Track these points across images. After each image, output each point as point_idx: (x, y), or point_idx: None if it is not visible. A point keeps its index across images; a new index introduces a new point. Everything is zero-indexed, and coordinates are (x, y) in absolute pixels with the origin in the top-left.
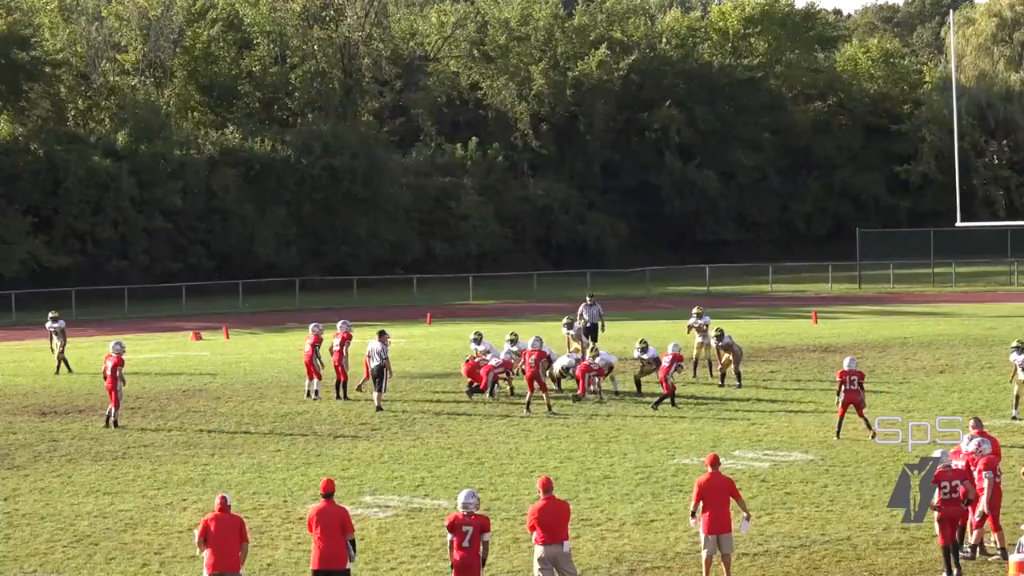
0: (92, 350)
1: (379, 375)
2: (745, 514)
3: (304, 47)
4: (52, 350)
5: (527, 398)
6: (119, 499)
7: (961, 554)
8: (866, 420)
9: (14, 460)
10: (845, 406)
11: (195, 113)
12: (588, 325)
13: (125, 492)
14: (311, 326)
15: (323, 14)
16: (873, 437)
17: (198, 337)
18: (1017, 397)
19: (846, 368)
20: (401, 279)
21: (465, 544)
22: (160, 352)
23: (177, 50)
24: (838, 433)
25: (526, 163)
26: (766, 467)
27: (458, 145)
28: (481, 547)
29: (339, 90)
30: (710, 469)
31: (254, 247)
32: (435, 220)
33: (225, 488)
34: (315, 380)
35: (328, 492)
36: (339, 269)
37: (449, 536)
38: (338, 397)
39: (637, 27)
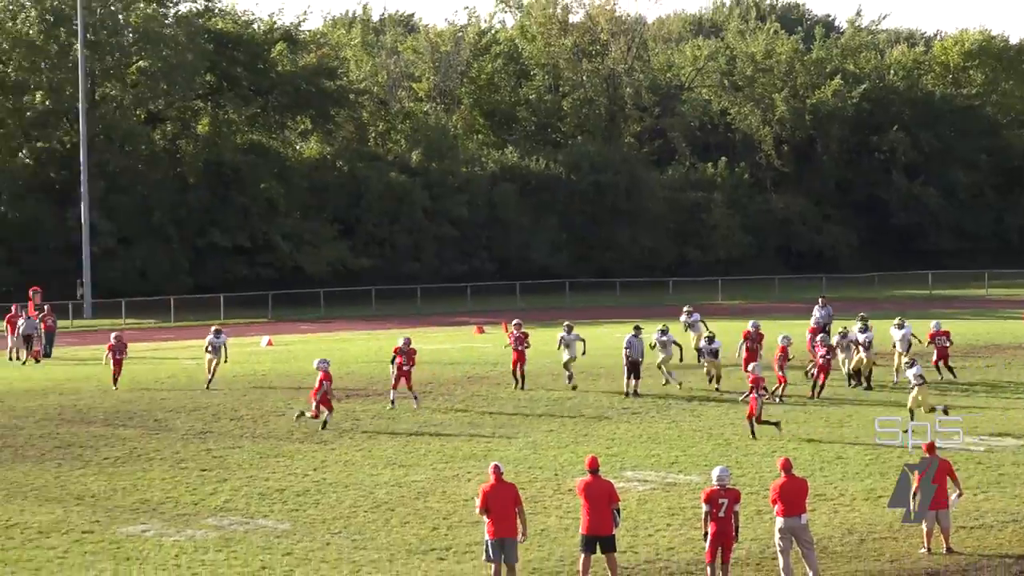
0: (389, 342)
1: (635, 368)
2: (959, 491)
3: (574, 78)
4: (208, 366)
5: (778, 388)
6: (412, 471)
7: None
8: None
9: (322, 436)
10: None
11: (479, 135)
12: (820, 325)
13: (417, 465)
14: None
15: (591, 49)
16: None
17: (481, 331)
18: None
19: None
20: (658, 281)
21: (721, 514)
22: (448, 343)
23: (464, 80)
24: None
25: (769, 180)
26: (982, 451)
27: (709, 164)
28: (733, 517)
29: (604, 115)
30: (928, 454)
31: (530, 252)
32: (688, 230)
33: (504, 463)
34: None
35: (594, 467)
36: (604, 272)
37: (705, 508)
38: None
39: (868, 60)
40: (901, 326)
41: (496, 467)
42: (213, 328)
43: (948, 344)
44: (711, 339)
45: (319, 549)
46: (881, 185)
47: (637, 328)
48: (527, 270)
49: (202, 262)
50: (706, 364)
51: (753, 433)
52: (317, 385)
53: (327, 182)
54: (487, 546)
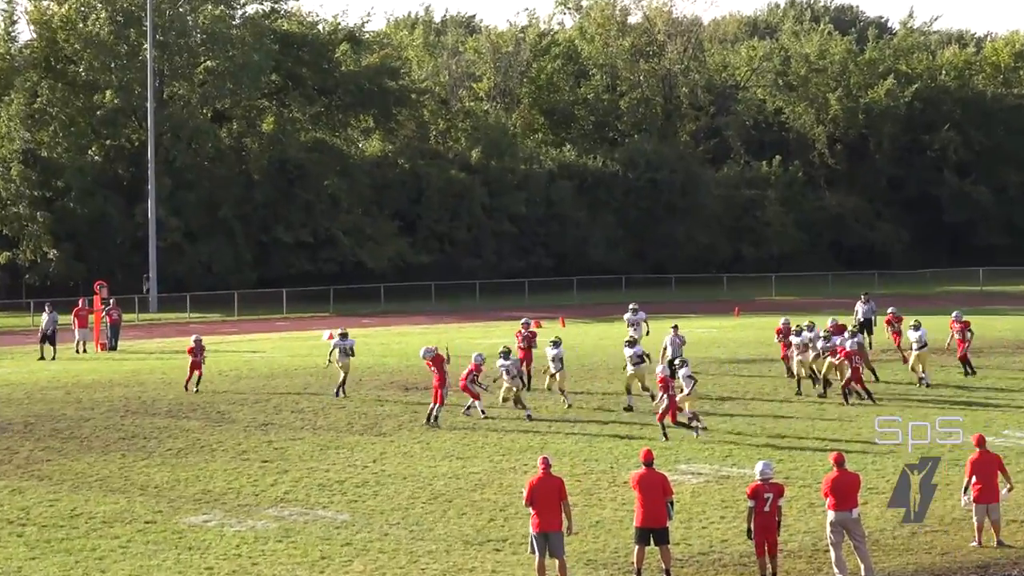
0: (447, 335)
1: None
2: (1009, 485)
3: (632, 77)
4: (332, 361)
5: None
6: (470, 463)
7: None
8: None
9: (381, 428)
10: None
11: (538, 134)
12: (862, 320)
13: (475, 457)
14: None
15: (648, 49)
16: None
17: (538, 325)
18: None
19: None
20: (713, 277)
21: (766, 509)
22: (506, 338)
23: (524, 80)
24: None
25: (822, 177)
26: None
27: (763, 162)
28: (777, 511)
29: (661, 114)
30: (979, 448)
31: (587, 248)
32: (742, 226)
33: (560, 455)
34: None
35: (648, 460)
36: (659, 268)
37: (751, 502)
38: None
39: (920, 61)
40: (917, 327)
41: (544, 460)
42: (339, 331)
43: (967, 337)
44: (631, 343)
45: (377, 540)
46: (933, 183)
47: (675, 327)
48: (584, 266)
49: (266, 257)
50: (632, 370)
51: (665, 435)
52: (464, 374)
53: (389, 179)
54: (531, 539)
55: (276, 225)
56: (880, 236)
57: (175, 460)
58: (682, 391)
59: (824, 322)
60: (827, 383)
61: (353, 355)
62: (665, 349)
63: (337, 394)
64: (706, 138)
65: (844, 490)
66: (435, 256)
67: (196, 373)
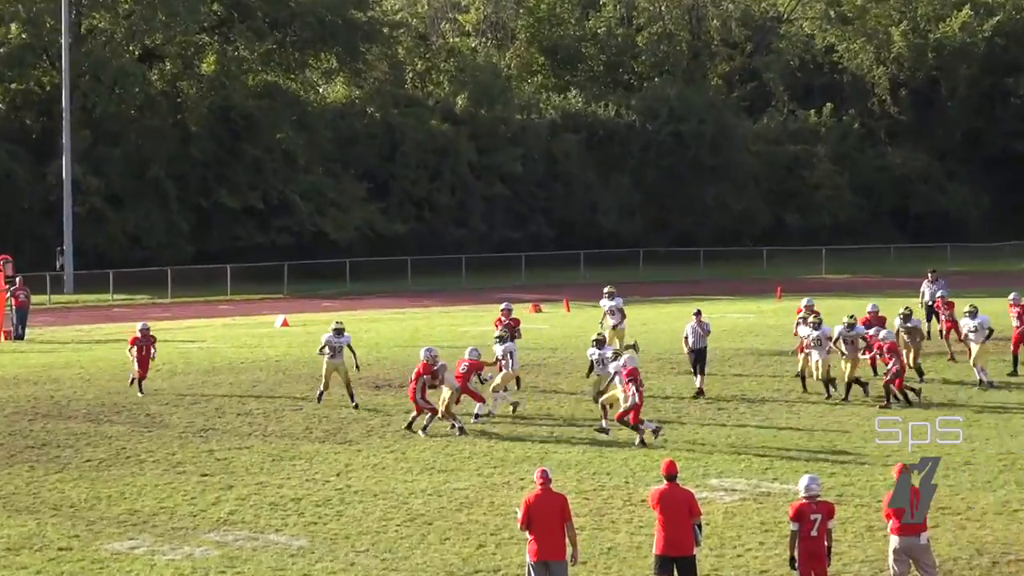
0: (428, 321)
1: (700, 358)
2: None
3: (651, 8)
4: (325, 376)
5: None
6: (454, 477)
7: None
8: None
9: (346, 435)
10: None
11: (537, 76)
12: (930, 304)
13: (460, 470)
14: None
15: None
16: None
17: (537, 309)
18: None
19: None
20: (749, 251)
21: (813, 533)
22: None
23: (520, 11)
24: None
25: (883, 130)
26: None
27: (812, 111)
28: (827, 536)
29: (687, 53)
30: None
31: (596, 216)
32: (786, 189)
33: (563, 468)
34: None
35: (671, 474)
36: (685, 239)
37: (794, 526)
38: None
39: None
40: (974, 314)
41: (543, 473)
42: (333, 325)
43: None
44: (599, 342)
45: (342, 571)
46: (1018, 137)
47: (698, 312)
48: (593, 237)
49: (206, 227)
50: (597, 376)
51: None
52: (462, 373)
53: (356, 132)
54: (528, 569)
55: (219, 188)
56: (953, 201)
57: (95, 474)
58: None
59: (891, 307)
60: (849, 384)
61: (355, 361)
62: (686, 339)
63: (319, 400)
64: (742, 82)
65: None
66: (412, 225)
67: (142, 372)
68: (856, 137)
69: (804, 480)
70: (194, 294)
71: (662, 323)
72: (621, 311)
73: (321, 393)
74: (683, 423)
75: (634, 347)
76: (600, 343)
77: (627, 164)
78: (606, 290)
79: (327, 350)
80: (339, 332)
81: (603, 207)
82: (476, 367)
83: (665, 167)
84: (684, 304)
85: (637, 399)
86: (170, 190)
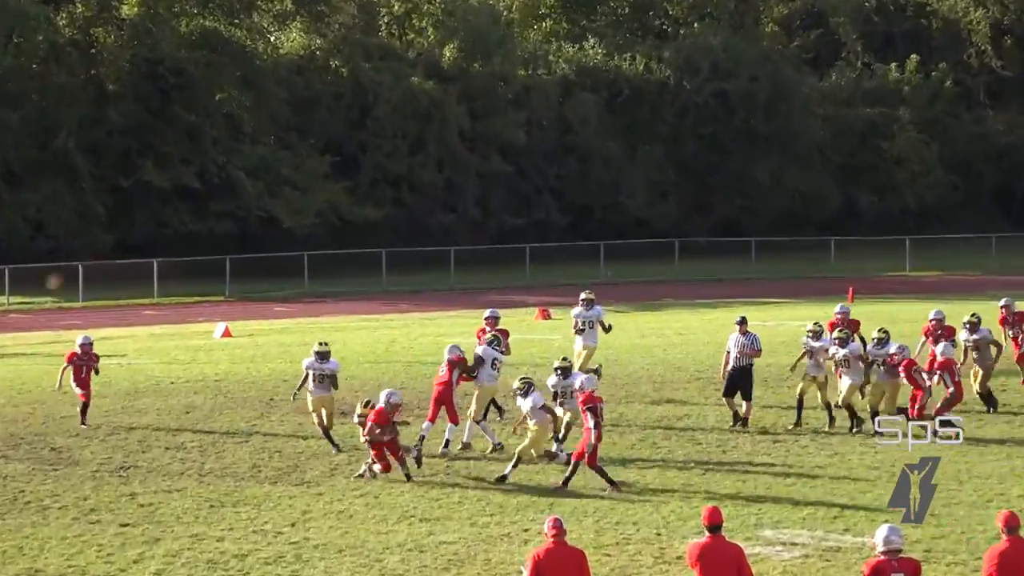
0: (406, 331)
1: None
2: None
3: None
4: (316, 412)
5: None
6: (440, 527)
7: None
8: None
9: (304, 474)
10: None
11: (545, 22)
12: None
13: (448, 519)
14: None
15: None
16: None
17: (545, 315)
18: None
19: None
20: (814, 241)
21: None
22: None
23: None
24: None
25: (983, 89)
26: None
27: (892, 65)
28: None
29: None
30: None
31: (620, 198)
32: (860, 164)
33: (579, 516)
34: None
35: (714, 524)
36: (731, 227)
37: None
38: None
39: None
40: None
41: (556, 522)
42: (316, 348)
43: None
44: (564, 370)
45: None
46: None
47: (742, 320)
48: (616, 225)
49: (127, 211)
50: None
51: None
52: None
53: (317, 92)
54: None
55: (143, 162)
56: None
57: None
58: (528, 421)
59: (988, 309)
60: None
61: (336, 387)
62: (728, 354)
63: (336, 450)
64: (804, 29)
65: (1019, 571)
66: (387, 210)
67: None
68: (948, 98)
69: (883, 531)
70: (112, 295)
71: (703, 333)
72: (599, 324)
73: (332, 442)
74: (728, 460)
75: (596, 372)
76: (565, 371)
77: (659, 132)
78: (583, 296)
79: (311, 383)
80: (323, 356)
81: (628, 187)
82: (459, 362)
83: (707, 136)
84: (731, 309)
85: (595, 437)
86: (81, 165)
